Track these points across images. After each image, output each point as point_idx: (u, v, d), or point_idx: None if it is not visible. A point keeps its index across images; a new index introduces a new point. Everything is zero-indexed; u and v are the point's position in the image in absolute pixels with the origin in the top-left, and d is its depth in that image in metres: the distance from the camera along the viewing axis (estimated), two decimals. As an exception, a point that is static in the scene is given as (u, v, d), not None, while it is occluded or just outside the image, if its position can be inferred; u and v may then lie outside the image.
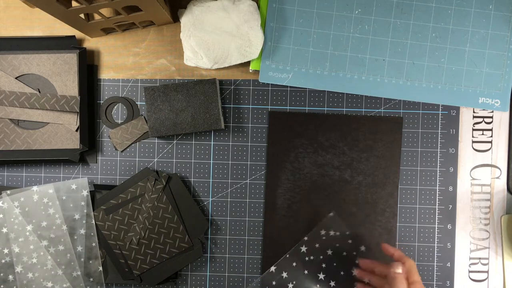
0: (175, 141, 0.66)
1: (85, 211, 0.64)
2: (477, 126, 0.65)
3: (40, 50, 0.64)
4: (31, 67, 0.64)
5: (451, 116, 0.65)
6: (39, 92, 0.63)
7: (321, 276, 0.63)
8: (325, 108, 0.65)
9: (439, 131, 0.65)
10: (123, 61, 0.66)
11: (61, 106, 0.62)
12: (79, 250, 0.63)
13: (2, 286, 0.63)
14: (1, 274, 0.63)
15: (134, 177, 0.64)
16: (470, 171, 0.65)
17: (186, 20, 0.62)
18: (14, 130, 0.64)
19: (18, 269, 0.63)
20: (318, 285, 0.63)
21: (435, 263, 0.65)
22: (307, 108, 0.65)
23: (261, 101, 0.66)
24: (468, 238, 0.65)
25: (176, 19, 0.65)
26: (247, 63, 0.65)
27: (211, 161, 0.66)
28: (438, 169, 0.65)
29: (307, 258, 0.63)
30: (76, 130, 0.63)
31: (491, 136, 0.65)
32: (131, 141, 0.65)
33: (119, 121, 0.66)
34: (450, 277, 0.65)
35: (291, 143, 0.65)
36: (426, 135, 0.65)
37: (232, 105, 0.66)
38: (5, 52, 0.64)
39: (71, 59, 0.64)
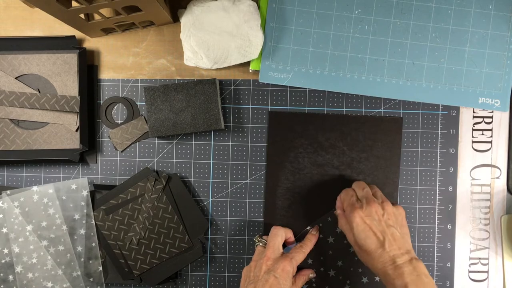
0: (175, 141, 0.66)
1: (85, 211, 0.64)
2: (477, 126, 0.65)
3: (40, 50, 0.64)
4: (31, 67, 0.64)
5: (451, 116, 0.65)
6: (39, 92, 0.63)
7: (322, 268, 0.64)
8: (325, 108, 0.65)
9: (439, 131, 0.65)
10: (123, 61, 0.66)
11: (61, 106, 0.62)
12: (79, 250, 0.63)
13: (2, 286, 0.63)
14: (1, 274, 0.63)
15: (134, 177, 0.64)
16: (470, 171, 0.65)
17: (186, 20, 0.62)
18: (14, 130, 0.64)
19: (18, 269, 0.63)
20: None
21: (435, 263, 0.65)
22: (307, 108, 0.65)
23: (261, 101, 0.66)
24: (468, 238, 0.65)
25: (176, 19, 0.65)
26: (247, 63, 0.65)
27: (211, 161, 0.66)
28: (438, 169, 0.65)
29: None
30: (76, 130, 0.63)
31: (491, 136, 0.65)
32: (131, 141, 0.65)
33: (119, 121, 0.66)
34: (450, 277, 0.65)
35: (291, 143, 0.65)
36: (426, 135, 0.65)
37: (232, 105, 0.66)
38: (5, 52, 0.64)
39: (71, 59, 0.64)
